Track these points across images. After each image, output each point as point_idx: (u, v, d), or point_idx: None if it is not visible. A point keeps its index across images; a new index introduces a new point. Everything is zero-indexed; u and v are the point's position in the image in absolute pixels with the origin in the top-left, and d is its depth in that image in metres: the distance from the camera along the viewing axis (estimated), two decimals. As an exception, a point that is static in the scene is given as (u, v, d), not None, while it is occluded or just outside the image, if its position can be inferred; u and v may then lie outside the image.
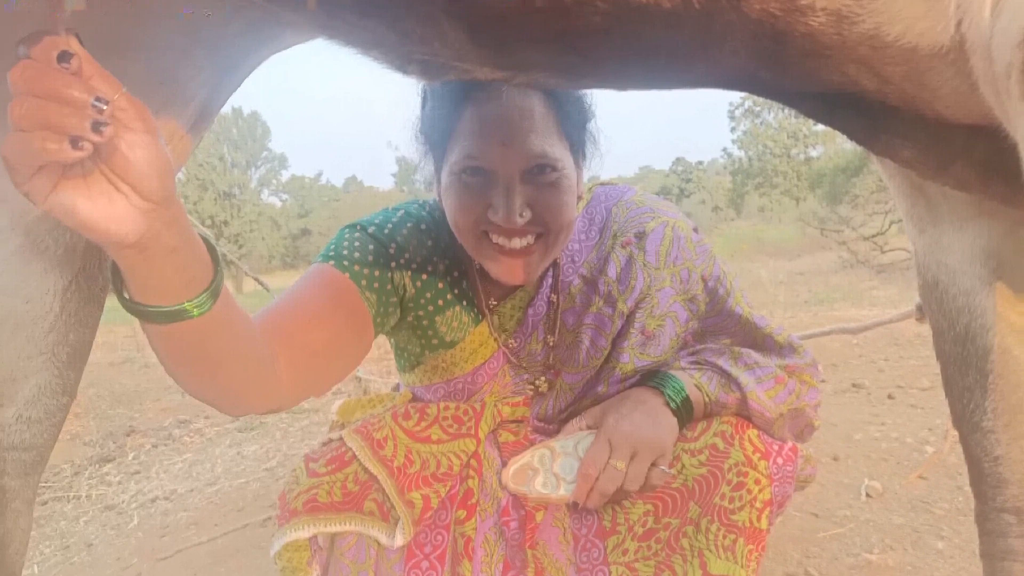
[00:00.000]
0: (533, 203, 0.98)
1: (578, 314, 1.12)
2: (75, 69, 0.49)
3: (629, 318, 1.10)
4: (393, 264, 1.07)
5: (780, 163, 34.41)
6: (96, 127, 0.48)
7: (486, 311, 1.13)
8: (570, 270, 1.13)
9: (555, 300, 1.13)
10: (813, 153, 33.62)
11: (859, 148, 0.95)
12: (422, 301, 1.11)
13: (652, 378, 1.10)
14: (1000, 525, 0.94)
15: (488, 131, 0.97)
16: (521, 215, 0.97)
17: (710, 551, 0.99)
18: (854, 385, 3.20)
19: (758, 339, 1.13)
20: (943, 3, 0.48)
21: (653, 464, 1.01)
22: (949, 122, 0.61)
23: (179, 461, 3.17)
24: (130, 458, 3.27)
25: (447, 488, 1.05)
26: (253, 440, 3.36)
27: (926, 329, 1.03)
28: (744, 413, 1.07)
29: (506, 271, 1.01)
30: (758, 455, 1.01)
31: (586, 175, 1.10)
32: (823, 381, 1.62)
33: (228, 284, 0.70)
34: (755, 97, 1.07)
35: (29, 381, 0.88)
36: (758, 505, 0.99)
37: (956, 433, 0.99)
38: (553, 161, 0.98)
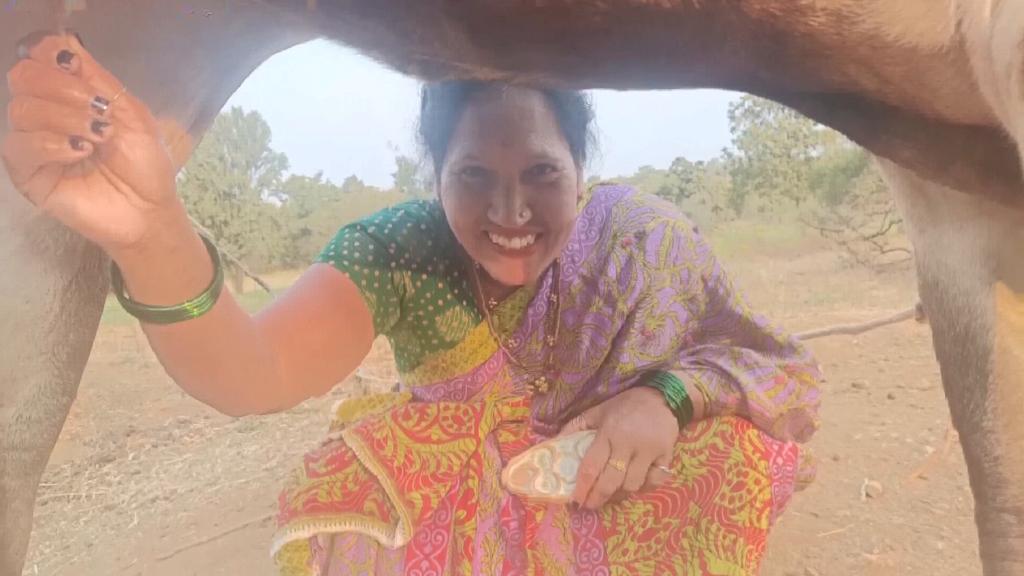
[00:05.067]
0: (533, 203, 0.98)
1: (578, 314, 1.12)
2: (75, 69, 0.49)
3: (629, 318, 1.10)
4: (393, 264, 1.07)
5: (780, 163, 34.40)
6: (96, 127, 0.48)
7: (486, 311, 1.13)
8: (570, 270, 1.13)
9: (555, 300, 1.13)
10: (813, 153, 33.62)
11: (859, 148, 0.95)
12: (422, 301, 1.11)
13: (652, 378, 1.10)
14: (1000, 525, 0.94)
15: (488, 131, 0.97)
16: (521, 215, 0.97)
17: (710, 551, 0.99)
18: (854, 385, 3.19)
19: (758, 339, 1.13)
20: (943, 3, 0.48)
21: (653, 464, 1.01)
22: (949, 122, 0.61)
23: (179, 461, 3.17)
24: (130, 458, 3.27)
25: (447, 488, 1.05)
26: (253, 440, 3.36)
27: (926, 329, 1.03)
28: (744, 413, 1.07)
29: (506, 271, 1.01)
30: (758, 455, 1.01)
31: (586, 175, 1.10)
32: (823, 381, 1.62)
33: (228, 284, 0.70)
34: (755, 97, 1.07)
35: (29, 381, 0.88)
36: (758, 505, 0.99)
37: (956, 433, 0.99)
38: (553, 161, 0.98)
